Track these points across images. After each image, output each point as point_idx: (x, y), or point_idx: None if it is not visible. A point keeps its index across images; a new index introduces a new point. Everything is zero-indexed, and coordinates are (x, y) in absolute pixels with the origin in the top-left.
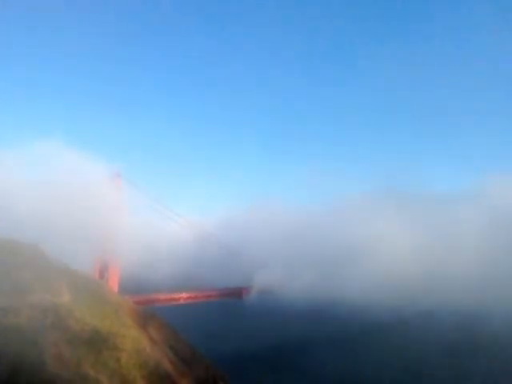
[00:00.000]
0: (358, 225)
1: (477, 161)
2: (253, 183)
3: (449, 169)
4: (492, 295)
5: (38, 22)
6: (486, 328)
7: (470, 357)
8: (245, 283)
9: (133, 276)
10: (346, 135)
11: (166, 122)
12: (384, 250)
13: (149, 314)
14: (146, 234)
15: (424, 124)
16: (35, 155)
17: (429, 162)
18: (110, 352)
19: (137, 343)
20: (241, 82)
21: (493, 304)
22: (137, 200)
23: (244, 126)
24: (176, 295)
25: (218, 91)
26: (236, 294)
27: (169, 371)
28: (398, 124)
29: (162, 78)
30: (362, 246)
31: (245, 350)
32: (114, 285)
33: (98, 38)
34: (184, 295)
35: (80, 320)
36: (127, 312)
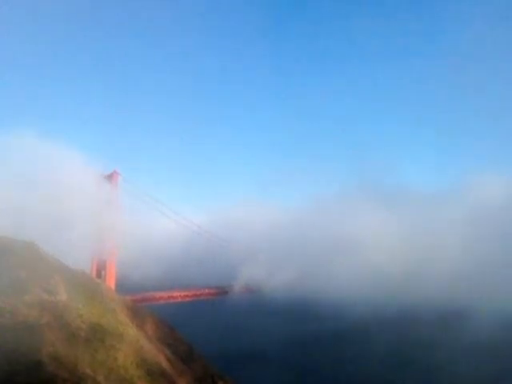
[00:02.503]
0: (341, 223)
1: (459, 160)
2: (241, 183)
3: (432, 168)
4: (473, 293)
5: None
6: (464, 325)
7: (446, 353)
8: (233, 281)
9: (130, 274)
10: (327, 133)
11: (163, 122)
12: (366, 247)
13: (146, 312)
14: (142, 232)
15: (407, 123)
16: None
17: (411, 161)
18: (107, 351)
19: (134, 342)
20: (233, 84)
21: (474, 301)
22: (133, 197)
23: (236, 127)
24: (172, 293)
25: (213, 91)
26: (226, 292)
27: (166, 370)
28: (381, 123)
29: (159, 78)
30: (345, 244)
31: (236, 348)
32: (111, 283)
33: (95, 33)
34: (180, 293)
35: (77, 318)
36: (124, 310)
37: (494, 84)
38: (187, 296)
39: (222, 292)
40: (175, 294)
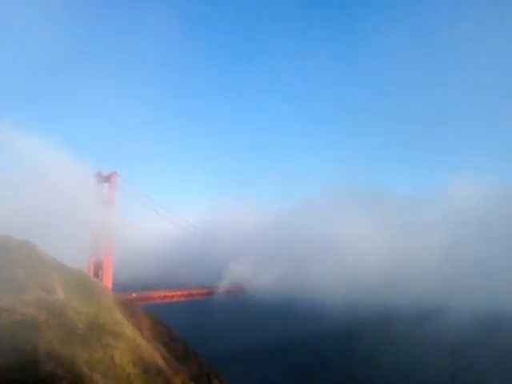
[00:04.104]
0: (325, 224)
1: (440, 164)
2: (228, 183)
3: (413, 172)
4: (451, 293)
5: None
6: (439, 324)
7: (418, 352)
8: (224, 281)
9: (126, 273)
10: (312, 135)
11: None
12: (349, 248)
13: (143, 312)
14: (139, 231)
15: (389, 128)
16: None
17: (394, 164)
18: (103, 349)
19: (131, 340)
20: (230, 86)
21: (451, 301)
22: (131, 198)
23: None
24: (167, 293)
25: (211, 92)
26: (216, 291)
27: (162, 368)
28: (365, 127)
29: (154, 77)
30: (329, 245)
31: (227, 347)
32: (108, 282)
33: (95, 32)
34: (176, 293)
35: (74, 317)
36: (121, 309)
37: (473, 89)
38: (182, 296)
39: (215, 292)
40: (170, 293)
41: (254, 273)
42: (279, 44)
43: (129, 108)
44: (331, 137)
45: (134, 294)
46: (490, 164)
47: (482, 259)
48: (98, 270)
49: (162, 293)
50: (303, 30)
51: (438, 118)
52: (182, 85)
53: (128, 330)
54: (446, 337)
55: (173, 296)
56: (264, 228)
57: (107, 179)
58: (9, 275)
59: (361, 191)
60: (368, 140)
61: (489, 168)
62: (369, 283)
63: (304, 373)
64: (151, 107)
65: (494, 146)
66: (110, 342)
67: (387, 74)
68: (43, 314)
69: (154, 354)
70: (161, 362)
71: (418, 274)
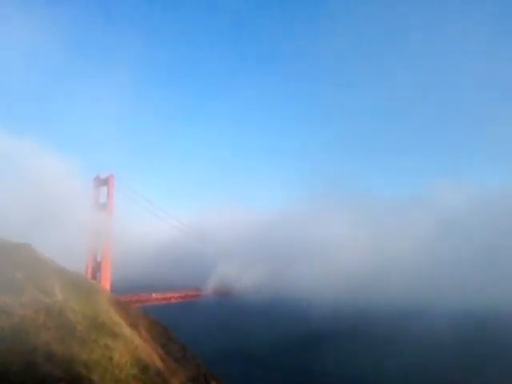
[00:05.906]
0: (312, 226)
1: (423, 166)
2: (220, 184)
3: (398, 174)
4: (433, 293)
5: None
6: (420, 324)
7: (402, 352)
8: (216, 282)
9: (123, 275)
10: (298, 138)
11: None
12: (335, 251)
13: (141, 313)
14: (137, 233)
15: (373, 130)
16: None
17: (380, 167)
18: (101, 351)
19: (129, 341)
20: (223, 88)
21: (433, 301)
22: (129, 200)
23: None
24: (167, 295)
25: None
26: (207, 293)
27: (160, 370)
28: (351, 129)
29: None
30: (315, 247)
31: (226, 348)
32: (105, 284)
33: (93, 32)
34: (173, 294)
35: (72, 319)
36: (119, 310)
37: (459, 94)
38: (180, 297)
39: (205, 293)
40: (168, 295)
41: (242, 274)
42: (277, 45)
43: (125, 107)
44: (319, 139)
45: (130, 296)
46: (473, 167)
47: (465, 260)
48: (95, 271)
49: (159, 295)
50: (299, 30)
51: (424, 121)
52: (180, 84)
53: (126, 330)
54: (429, 336)
55: (170, 298)
56: (254, 229)
57: (105, 182)
58: (7, 277)
59: (347, 193)
60: (355, 142)
61: (473, 171)
62: (354, 284)
63: (293, 374)
64: (149, 106)
65: (478, 150)
66: (108, 343)
67: (377, 77)
68: (41, 315)
69: (151, 354)
70: (158, 363)
71: (403, 275)
